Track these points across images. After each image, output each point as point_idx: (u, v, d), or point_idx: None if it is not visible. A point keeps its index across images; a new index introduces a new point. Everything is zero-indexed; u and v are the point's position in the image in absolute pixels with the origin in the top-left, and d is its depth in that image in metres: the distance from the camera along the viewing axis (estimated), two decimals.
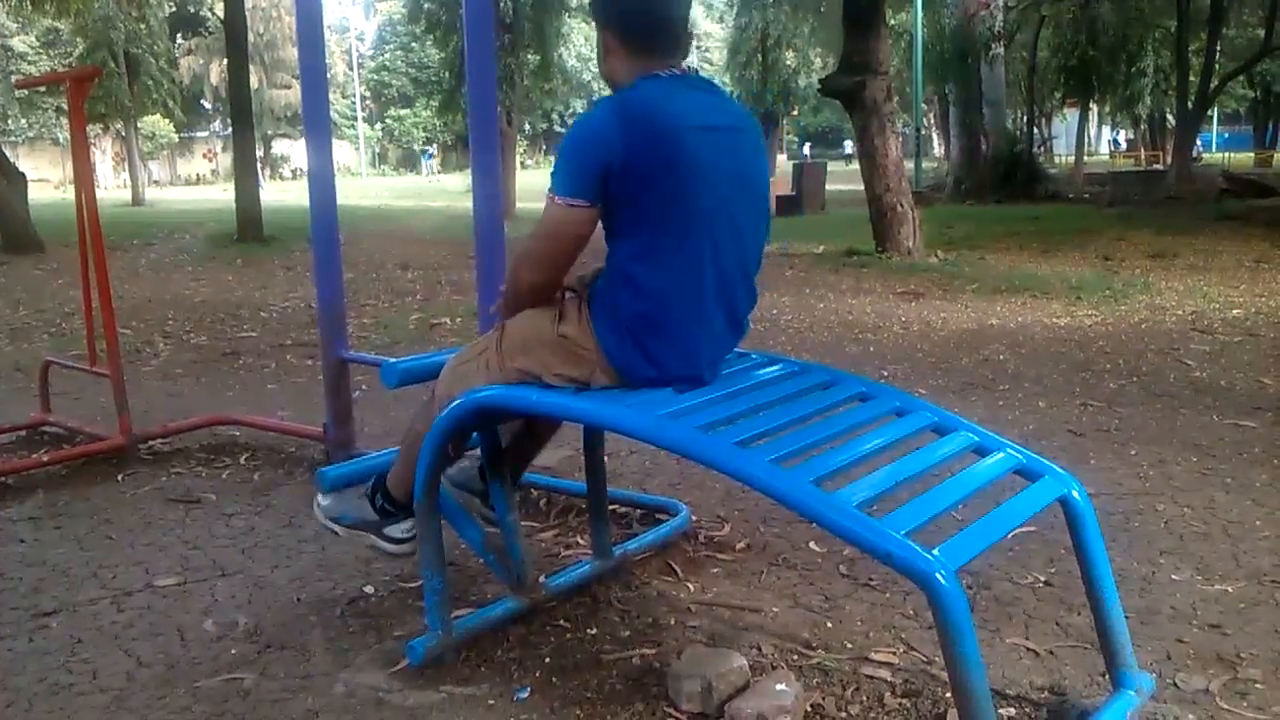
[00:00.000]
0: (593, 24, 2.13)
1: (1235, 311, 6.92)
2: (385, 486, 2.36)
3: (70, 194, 4.67)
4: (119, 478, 3.63)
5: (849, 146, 49.56)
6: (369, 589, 2.63)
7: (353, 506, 2.43)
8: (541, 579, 2.48)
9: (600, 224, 2.03)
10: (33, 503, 3.37)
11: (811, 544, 2.87)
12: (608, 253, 2.07)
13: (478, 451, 2.44)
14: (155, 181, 42.66)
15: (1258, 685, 2.07)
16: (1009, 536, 2.29)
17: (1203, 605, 2.44)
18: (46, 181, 36.01)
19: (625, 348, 2.02)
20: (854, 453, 1.88)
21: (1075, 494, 1.93)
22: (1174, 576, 2.62)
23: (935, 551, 1.56)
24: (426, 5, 22.19)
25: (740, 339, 2.23)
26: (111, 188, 37.69)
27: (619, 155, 1.91)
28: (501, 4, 18.75)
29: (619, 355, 2.03)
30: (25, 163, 25.16)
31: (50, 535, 3.08)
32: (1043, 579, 2.61)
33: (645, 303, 2.00)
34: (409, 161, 56.27)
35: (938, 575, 1.52)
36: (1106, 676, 1.99)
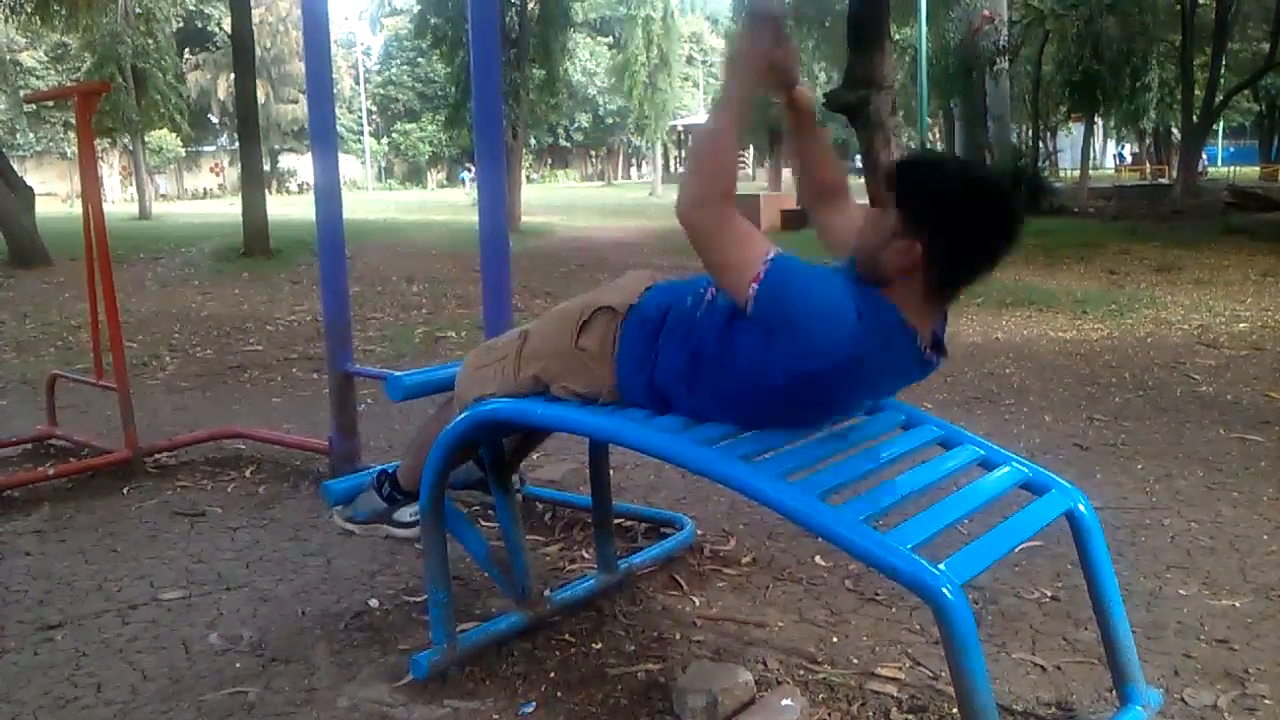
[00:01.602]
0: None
1: (1241, 325, 6.91)
2: (392, 476, 2.39)
3: (77, 208, 4.69)
4: (124, 491, 3.64)
5: (859, 160, 49.86)
6: (373, 602, 2.63)
7: (363, 503, 2.45)
8: (546, 593, 2.48)
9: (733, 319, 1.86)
10: (38, 515, 3.37)
11: (817, 558, 2.86)
12: (720, 322, 1.89)
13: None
14: (162, 195, 42.81)
15: (1266, 700, 2.06)
16: (1015, 551, 2.29)
17: (1210, 620, 2.43)
18: (54, 195, 36.20)
19: (641, 372, 1.99)
20: (860, 467, 1.88)
21: (1081, 508, 1.92)
22: (1181, 591, 2.61)
23: (941, 566, 1.56)
24: (433, 20, 22.30)
25: None
26: (118, 201, 37.81)
27: (825, 359, 1.72)
28: (507, 19, 18.83)
29: (633, 382, 2.00)
30: (33, 177, 25.27)
31: (56, 548, 3.08)
32: (1049, 594, 2.60)
33: (691, 375, 1.93)
34: (415, 176, 56.43)
35: (944, 590, 1.52)
36: (1114, 692, 1.98)
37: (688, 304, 1.99)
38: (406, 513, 2.43)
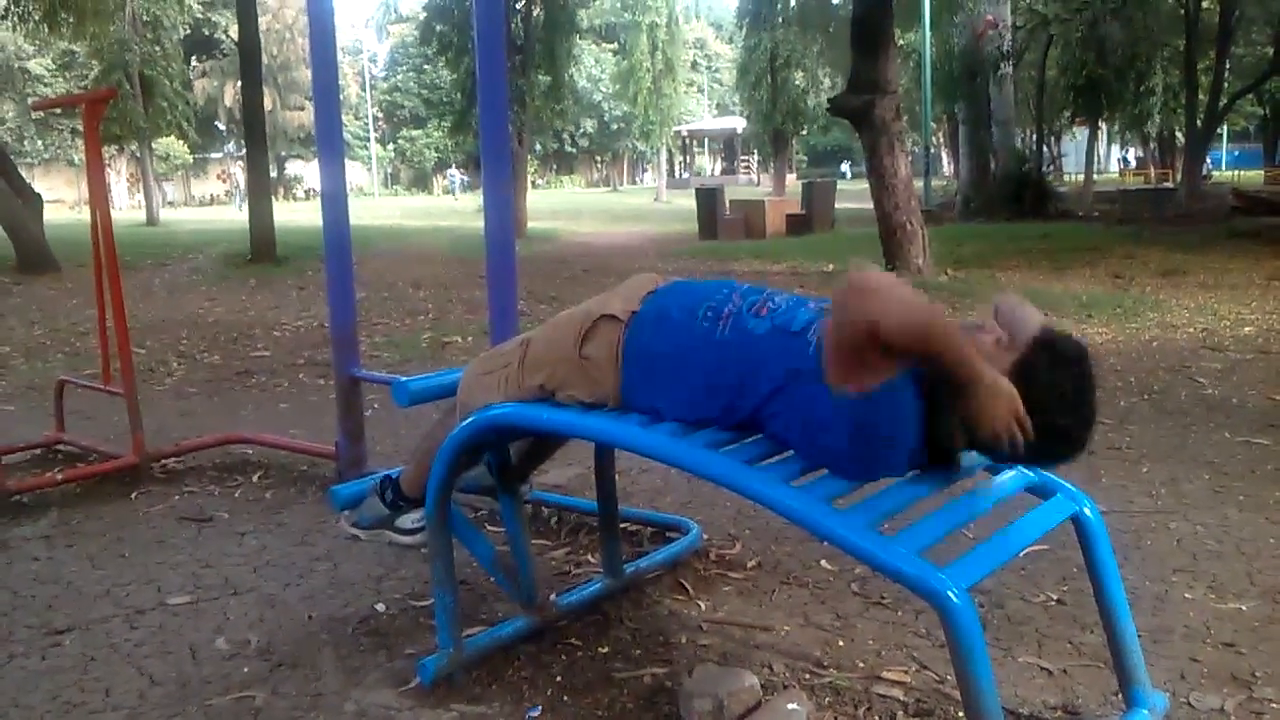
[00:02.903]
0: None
1: (1247, 329, 6.90)
2: (396, 482, 2.39)
3: (85, 214, 4.70)
4: (132, 496, 3.65)
5: (845, 168, 49.76)
6: (380, 607, 2.63)
7: (367, 509, 2.45)
8: (552, 597, 2.49)
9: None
10: (47, 521, 3.38)
11: (823, 562, 2.87)
12: (765, 370, 1.85)
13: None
14: (170, 202, 42.92)
15: (1273, 704, 2.05)
16: (1021, 555, 2.29)
17: (1216, 624, 2.43)
18: (61, 202, 36.34)
19: (649, 382, 1.99)
20: None
21: (1087, 511, 1.93)
22: (1187, 595, 2.61)
23: (947, 570, 1.56)
24: (438, 28, 22.35)
25: None
26: (126, 208, 37.95)
27: (875, 450, 1.73)
28: (512, 26, 18.87)
29: (637, 384, 2.00)
30: (41, 184, 25.32)
31: (63, 553, 3.09)
32: (1055, 597, 2.60)
33: (707, 399, 1.93)
34: (421, 182, 56.53)
35: (950, 594, 1.52)
36: (1120, 695, 1.98)
37: (702, 317, 1.95)
38: (409, 520, 2.44)
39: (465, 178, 48.99)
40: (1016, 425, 1.65)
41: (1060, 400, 1.72)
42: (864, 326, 1.63)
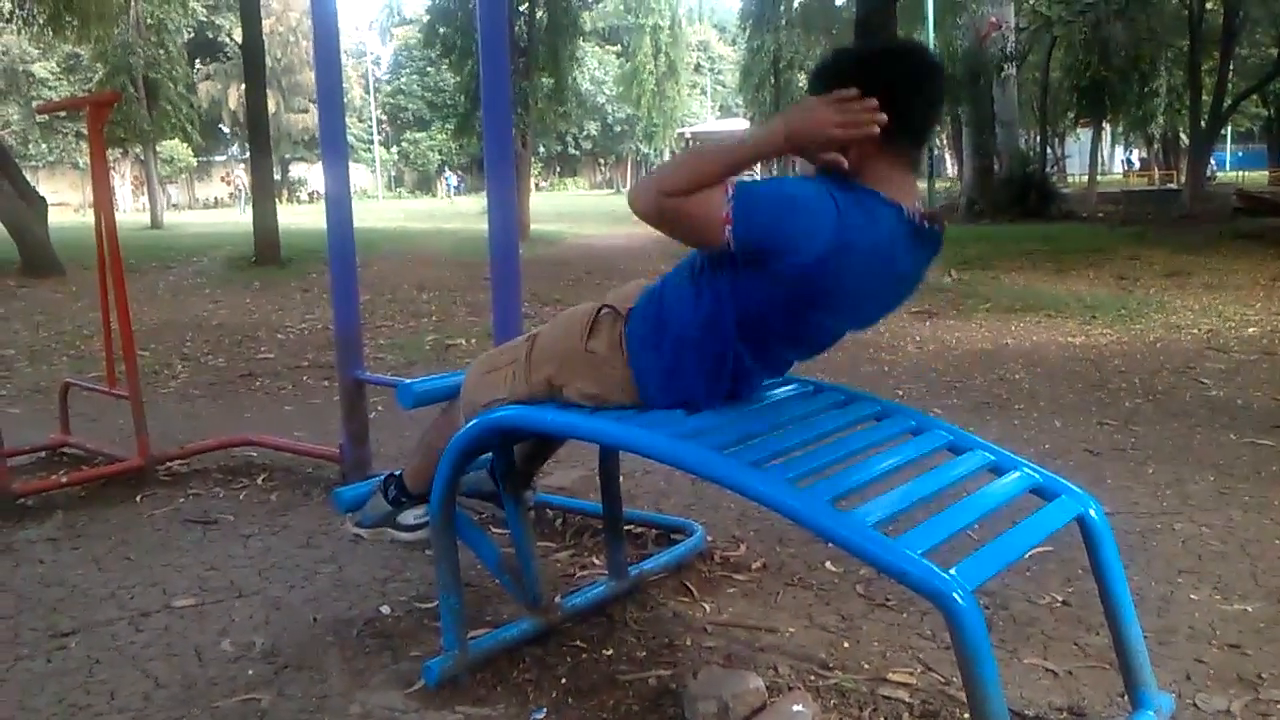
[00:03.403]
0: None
1: (1251, 330, 6.89)
2: (399, 479, 2.40)
3: (89, 217, 4.71)
4: (137, 499, 3.65)
5: None
6: (385, 609, 2.63)
7: (370, 507, 2.46)
8: (557, 599, 2.49)
9: (713, 261, 1.91)
10: (52, 523, 3.39)
11: (828, 564, 2.87)
12: (709, 281, 1.92)
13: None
14: (174, 205, 43.01)
15: (1279, 705, 2.05)
16: (1026, 556, 2.29)
17: (1222, 625, 2.43)
18: (66, 205, 36.41)
19: (660, 366, 2.00)
20: (869, 472, 1.88)
21: (1092, 513, 1.92)
22: (1193, 596, 2.61)
23: (952, 571, 1.56)
24: (442, 30, 22.39)
25: None
26: (130, 211, 38.00)
27: (807, 260, 1.74)
28: (516, 28, 18.89)
29: (650, 378, 2.01)
30: (45, 187, 25.37)
31: (69, 556, 3.10)
32: (1060, 599, 2.60)
33: (724, 354, 1.95)
34: (425, 184, 56.61)
35: (955, 595, 1.52)
36: (1125, 697, 1.98)
37: (682, 278, 2.00)
38: (410, 516, 2.44)
39: (460, 181, 49.23)
40: (855, 111, 1.73)
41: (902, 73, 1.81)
42: (656, 201, 1.76)
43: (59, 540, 3.23)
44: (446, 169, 51.34)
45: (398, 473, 2.43)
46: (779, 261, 1.77)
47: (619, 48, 50.74)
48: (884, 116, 1.73)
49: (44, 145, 43.80)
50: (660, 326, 1.99)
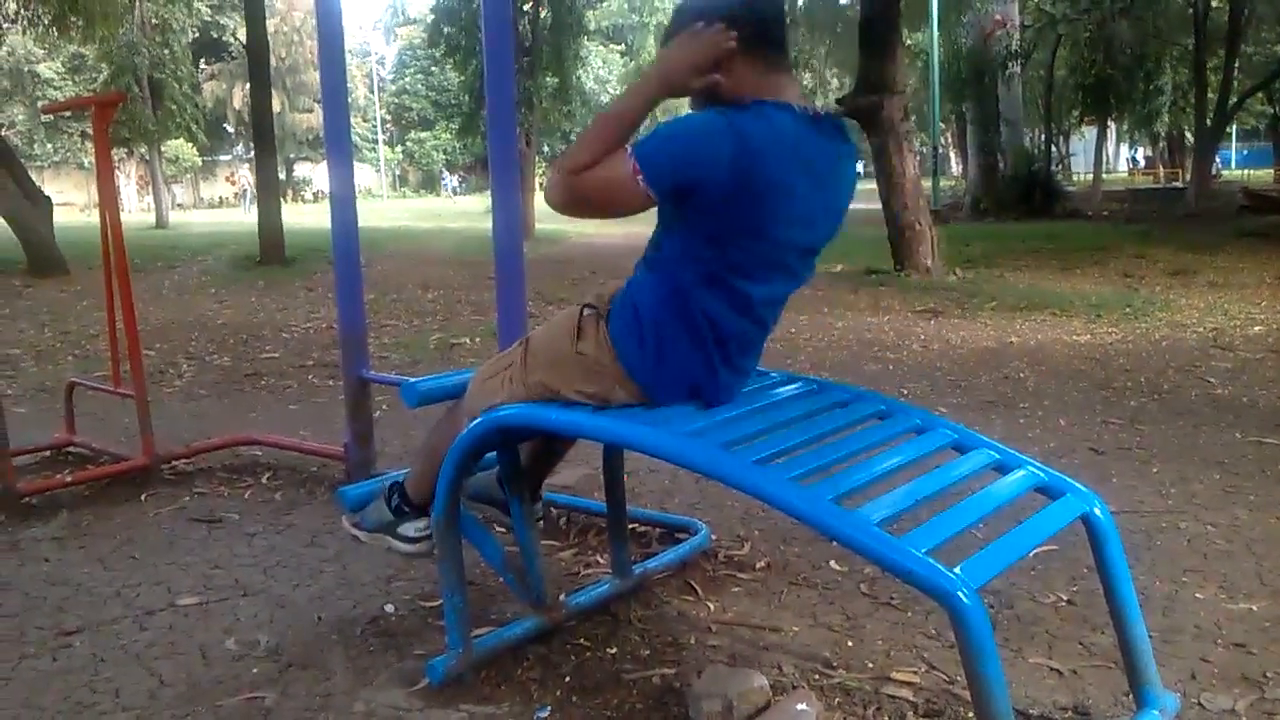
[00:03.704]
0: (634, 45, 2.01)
1: (1257, 328, 6.88)
2: (403, 487, 2.38)
3: (95, 217, 4.72)
4: (142, 497, 3.66)
5: (859, 167, 49.72)
6: (389, 608, 2.64)
7: (372, 512, 2.46)
8: (561, 598, 2.49)
9: (660, 223, 2.01)
10: (57, 523, 3.39)
11: (832, 563, 2.86)
12: (660, 259, 2.00)
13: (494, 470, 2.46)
14: (179, 205, 43.07)
15: None
16: (1031, 555, 2.29)
17: (1227, 624, 2.42)
18: (71, 205, 36.47)
19: (649, 353, 2.01)
20: (874, 471, 1.88)
21: (1097, 511, 1.92)
22: (1198, 595, 2.60)
23: (957, 570, 1.56)
24: (446, 30, 22.38)
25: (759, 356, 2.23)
26: (135, 211, 38.05)
27: (720, 174, 1.81)
28: (520, 28, 18.90)
29: (640, 363, 2.02)
30: (51, 187, 25.38)
31: (74, 555, 3.10)
32: (1065, 597, 2.59)
33: (694, 314, 1.97)
34: (429, 184, 56.65)
35: (959, 594, 1.52)
36: (1130, 696, 1.97)
37: (641, 266, 2.07)
38: (412, 528, 2.43)
39: (462, 181, 49.23)
40: (705, 38, 1.87)
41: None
42: (566, 184, 1.86)
43: (64, 539, 3.24)
44: (445, 171, 51.36)
45: (402, 479, 2.42)
46: (702, 193, 1.83)
47: (623, 46, 50.67)
48: (733, 33, 1.87)
49: (49, 145, 43.91)
50: (636, 317, 2.02)
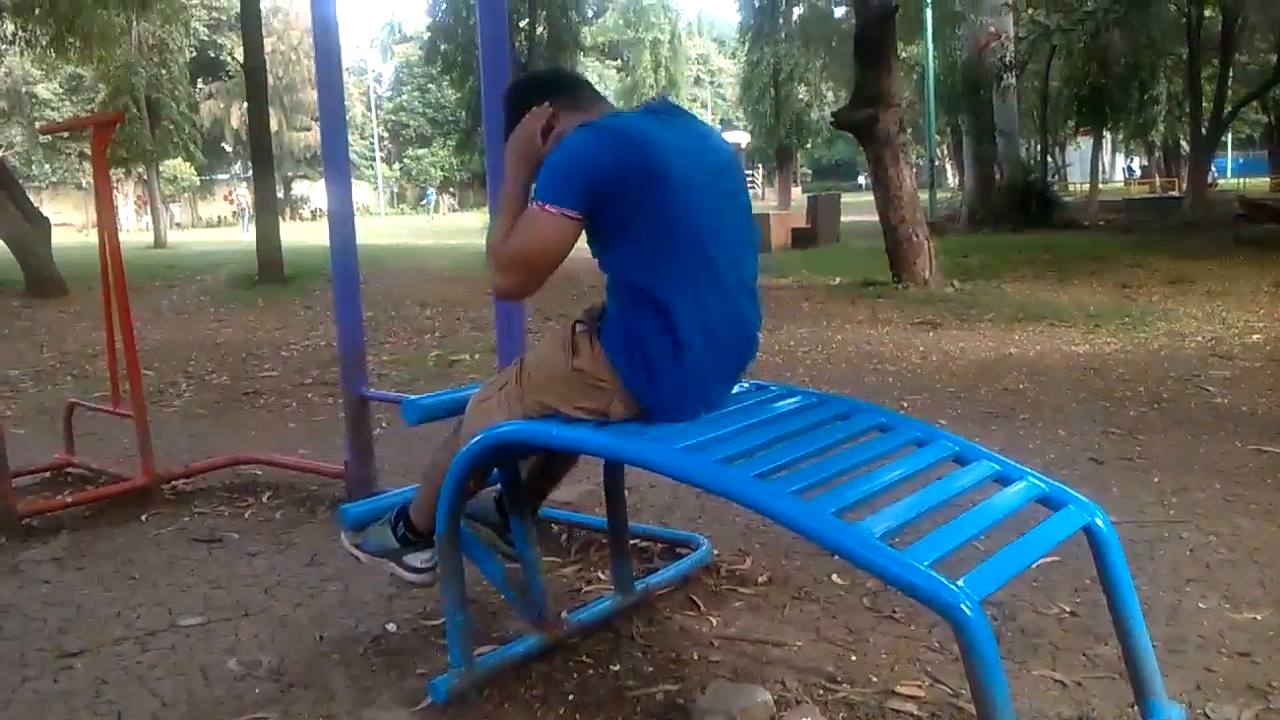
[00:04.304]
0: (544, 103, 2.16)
1: (1255, 337, 6.88)
2: (408, 516, 2.38)
3: (93, 237, 4.72)
4: (142, 518, 3.65)
5: (862, 179, 49.91)
6: (391, 627, 2.63)
7: (375, 535, 2.45)
8: (563, 615, 2.48)
9: (593, 251, 2.09)
10: (57, 544, 3.39)
11: (834, 576, 2.86)
12: (609, 277, 2.09)
13: (494, 486, 2.45)
14: (177, 224, 43.13)
15: None
16: (1033, 566, 2.28)
17: (1231, 634, 2.42)
18: (70, 225, 36.51)
19: (637, 362, 2.03)
20: (875, 484, 1.87)
21: (1099, 522, 1.92)
22: (1201, 604, 2.60)
23: (960, 582, 1.55)
24: (443, 47, 22.51)
25: (752, 353, 2.23)
26: (134, 231, 38.12)
27: (607, 165, 1.96)
28: (516, 44, 18.95)
29: (632, 373, 2.03)
30: (49, 207, 25.48)
31: (74, 576, 3.10)
32: (1068, 609, 2.59)
33: (652, 310, 2.01)
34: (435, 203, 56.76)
35: (963, 606, 1.51)
36: (1135, 707, 1.97)
37: (606, 285, 2.16)
38: (419, 559, 2.43)
39: (447, 197, 49.24)
40: (534, 114, 2.14)
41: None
42: (501, 261, 2.05)
43: (64, 560, 3.23)
44: (430, 189, 51.42)
45: (406, 503, 2.41)
46: (604, 193, 1.96)
47: (619, 62, 50.95)
48: (544, 103, 2.15)
49: (47, 166, 44.03)
50: (614, 328, 2.07)
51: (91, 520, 3.64)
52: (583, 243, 2.08)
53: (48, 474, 4.25)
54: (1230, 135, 34.76)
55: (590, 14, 27.12)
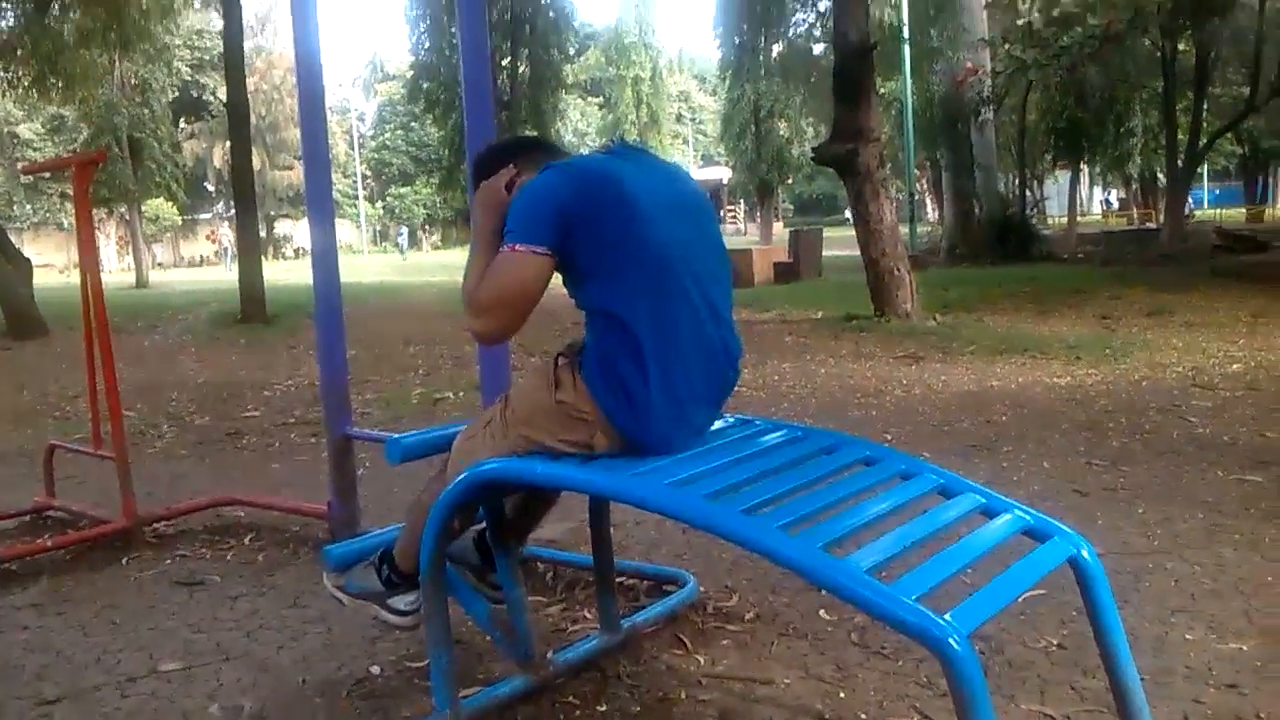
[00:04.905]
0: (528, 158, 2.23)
1: (1235, 366, 6.93)
2: (392, 558, 2.36)
3: (74, 278, 4.71)
4: (123, 561, 3.62)
5: (849, 212, 50.31)
6: (375, 669, 2.60)
7: (359, 576, 2.43)
8: (549, 654, 2.46)
9: (567, 288, 2.13)
10: (36, 588, 3.35)
11: (822, 612, 2.85)
12: (585, 311, 2.11)
13: (473, 527, 2.44)
14: (159, 263, 43.02)
15: None
16: (1020, 599, 2.28)
17: (1218, 664, 2.42)
18: (51, 266, 36.38)
19: (615, 390, 2.04)
20: (861, 517, 1.87)
21: (1085, 554, 1.92)
22: (1187, 635, 2.60)
23: (948, 616, 1.55)
24: (425, 85, 22.61)
25: (732, 381, 2.24)
26: (115, 271, 38.00)
27: (573, 201, 2.01)
28: (499, 82, 19.08)
29: (611, 402, 2.04)
30: (30, 248, 25.36)
31: (54, 621, 3.06)
32: (1055, 642, 2.58)
33: (626, 338, 2.03)
34: (410, 239, 56.73)
35: (951, 641, 1.51)
36: None
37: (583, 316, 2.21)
38: (403, 602, 2.41)
39: (425, 234, 49.13)
40: (500, 181, 2.21)
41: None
42: (476, 306, 2.07)
43: (43, 606, 3.19)
44: (403, 228, 51.41)
45: (393, 545, 2.40)
46: (573, 226, 2.01)
47: (601, 99, 51.28)
48: (510, 166, 2.22)
49: (29, 206, 43.91)
50: (591, 358, 2.09)
51: (72, 564, 3.60)
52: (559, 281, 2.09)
53: (27, 517, 4.20)
54: (1206, 167, 35.15)
55: (572, 52, 27.31)
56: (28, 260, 13.54)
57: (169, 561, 3.61)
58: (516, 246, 2.00)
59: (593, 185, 2.04)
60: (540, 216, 2.01)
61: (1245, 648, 2.51)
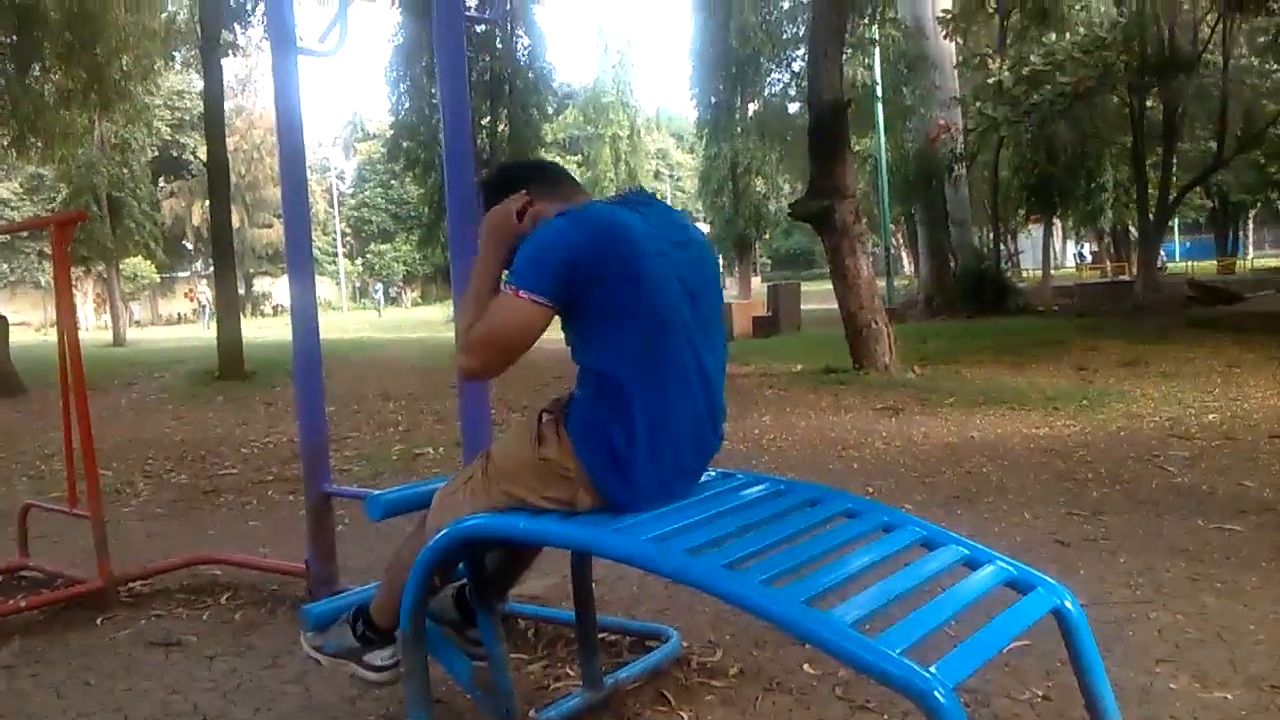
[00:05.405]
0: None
1: (1211, 416, 6.99)
2: (367, 613, 2.33)
3: (52, 336, 4.69)
4: (98, 621, 3.56)
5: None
6: None
7: (337, 636, 2.40)
8: (532, 713, 2.44)
9: (566, 339, 2.11)
10: (9, 650, 3.28)
11: (806, 666, 2.83)
12: (579, 367, 2.11)
13: (452, 584, 2.42)
14: (136, 322, 42.82)
15: None
16: (1004, 650, 2.27)
17: (1203, 713, 2.42)
18: (27, 325, 36.10)
19: (600, 450, 2.03)
20: (844, 570, 1.87)
21: (1068, 604, 1.92)
22: (1172, 685, 2.60)
23: (933, 669, 1.55)
24: (405, 144, 22.77)
25: (715, 449, 2.23)
26: (93, 329, 37.77)
27: (583, 256, 1.99)
28: (478, 141, 19.24)
29: (595, 462, 2.04)
30: (7, 306, 25.28)
31: (26, 683, 3.00)
32: (1040, 693, 2.57)
33: (618, 400, 2.03)
34: (387, 296, 56.68)
35: (937, 693, 1.50)
36: None
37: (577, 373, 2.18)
38: (379, 657, 2.39)
39: (398, 291, 49.05)
40: (507, 202, 2.19)
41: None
42: (471, 346, 2.06)
43: (16, 668, 3.13)
44: (378, 284, 51.29)
45: (367, 604, 2.37)
46: (578, 282, 1.99)
47: (580, 157, 51.78)
48: (523, 192, 2.19)
49: (5, 265, 43.72)
50: (578, 415, 2.09)
51: (45, 624, 3.54)
52: (553, 330, 2.10)
53: (1, 577, 4.13)
54: (1177, 220, 35.73)
55: (551, 111, 27.62)
56: (4, 318, 13.43)
57: (145, 621, 3.55)
58: (520, 292, 1.98)
59: (608, 244, 2.01)
60: (548, 266, 1.99)
61: (1230, 696, 2.50)
